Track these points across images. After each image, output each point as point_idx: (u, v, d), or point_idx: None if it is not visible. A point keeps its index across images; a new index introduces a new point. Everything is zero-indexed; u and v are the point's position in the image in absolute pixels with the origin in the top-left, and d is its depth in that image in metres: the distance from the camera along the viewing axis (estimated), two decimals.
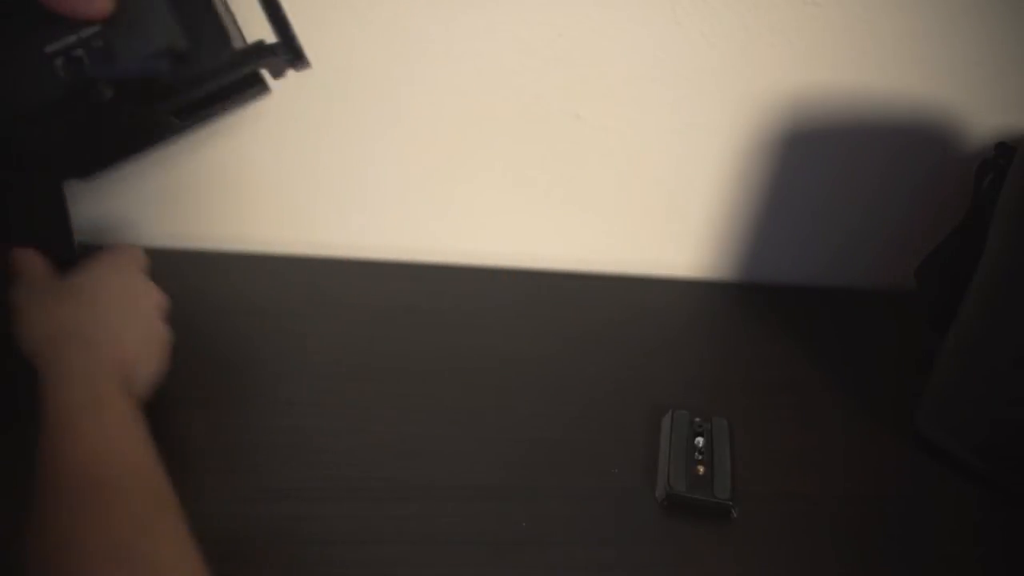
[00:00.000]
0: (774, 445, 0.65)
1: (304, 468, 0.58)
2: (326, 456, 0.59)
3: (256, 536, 0.52)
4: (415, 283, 0.81)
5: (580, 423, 0.66)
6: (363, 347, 0.71)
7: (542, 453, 0.62)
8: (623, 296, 0.84)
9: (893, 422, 0.69)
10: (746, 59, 0.77)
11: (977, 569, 0.58)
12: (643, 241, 0.88)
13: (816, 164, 0.83)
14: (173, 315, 0.59)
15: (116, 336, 0.52)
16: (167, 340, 0.57)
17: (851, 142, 0.82)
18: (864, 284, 0.91)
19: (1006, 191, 0.60)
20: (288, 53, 0.53)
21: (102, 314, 0.52)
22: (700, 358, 0.77)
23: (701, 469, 0.59)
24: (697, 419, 0.64)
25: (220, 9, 0.53)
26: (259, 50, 0.53)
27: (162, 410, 0.53)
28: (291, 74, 0.56)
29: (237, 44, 0.53)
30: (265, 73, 0.55)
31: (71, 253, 0.57)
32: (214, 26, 0.52)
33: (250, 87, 0.54)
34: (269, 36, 0.55)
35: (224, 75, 0.51)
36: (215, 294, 0.74)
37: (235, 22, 0.55)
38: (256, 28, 0.57)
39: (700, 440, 0.62)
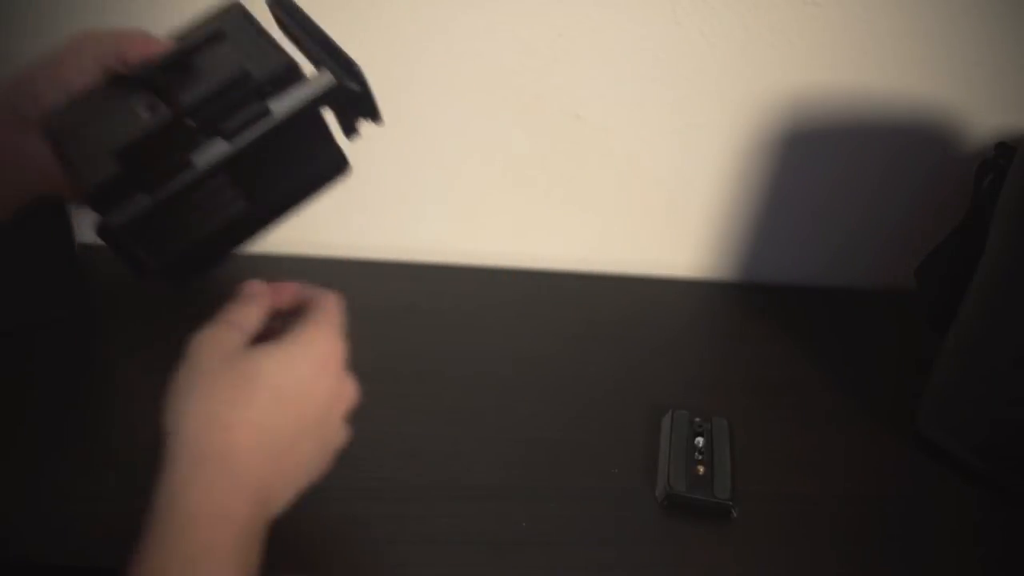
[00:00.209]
0: (774, 445, 0.65)
1: None
2: None
3: None
4: (415, 283, 0.81)
5: (580, 423, 0.66)
6: (363, 347, 0.71)
7: (542, 453, 0.62)
8: (623, 296, 0.84)
9: (893, 422, 0.69)
10: (746, 59, 0.77)
11: (977, 569, 0.58)
12: (643, 241, 0.88)
13: (816, 164, 0.83)
14: (171, 316, 0.59)
15: (277, 456, 0.40)
16: (339, 447, 0.47)
17: (851, 142, 0.82)
18: (864, 284, 0.91)
19: (1006, 191, 0.60)
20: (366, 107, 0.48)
21: (278, 423, 0.40)
22: (700, 358, 0.77)
23: (701, 469, 0.59)
24: (697, 419, 0.64)
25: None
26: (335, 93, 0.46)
27: (151, 409, 0.53)
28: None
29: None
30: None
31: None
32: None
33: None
34: None
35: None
36: (215, 295, 0.74)
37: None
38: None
39: (700, 440, 0.62)
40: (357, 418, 0.63)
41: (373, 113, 0.48)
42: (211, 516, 0.36)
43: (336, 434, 0.45)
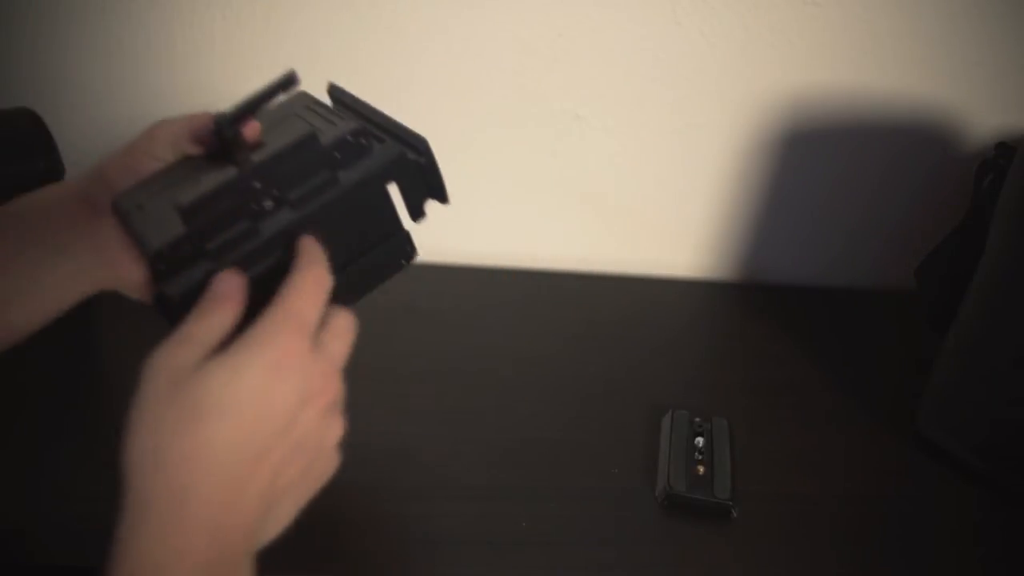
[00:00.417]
0: (774, 445, 0.65)
1: None
2: None
3: None
4: (415, 283, 0.81)
5: (580, 423, 0.66)
6: (363, 347, 0.71)
7: (542, 453, 0.62)
8: (623, 296, 0.84)
9: (893, 422, 0.69)
10: (746, 59, 0.77)
11: (977, 569, 0.58)
12: (643, 241, 0.88)
13: (816, 164, 0.83)
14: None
15: (239, 484, 0.35)
16: (330, 448, 0.41)
17: (851, 142, 0.82)
18: (864, 284, 0.91)
19: (1006, 191, 0.60)
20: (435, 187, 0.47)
21: (233, 448, 0.35)
22: (700, 358, 0.77)
23: (701, 469, 0.59)
24: (697, 419, 0.64)
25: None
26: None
27: None
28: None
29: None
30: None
31: None
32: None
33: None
34: None
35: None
36: None
37: None
38: None
39: (700, 440, 0.62)
40: (357, 418, 0.64)
41: (440, 191, 0.46)
42: (162, 565, 0.33)
43: (319, 438, 0.39)
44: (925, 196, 0.85)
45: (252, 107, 0.40)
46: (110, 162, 0.43)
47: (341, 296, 0.42)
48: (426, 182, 0.46)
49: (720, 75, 0.78)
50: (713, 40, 0.76)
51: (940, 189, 0.84)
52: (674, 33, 0.75)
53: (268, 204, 0.41)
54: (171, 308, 0.39)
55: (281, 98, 0.40)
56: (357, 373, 0.71)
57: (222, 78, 0.75)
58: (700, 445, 0.61)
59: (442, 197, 0.47)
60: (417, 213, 0.46)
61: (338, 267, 0.42)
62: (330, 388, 0.38)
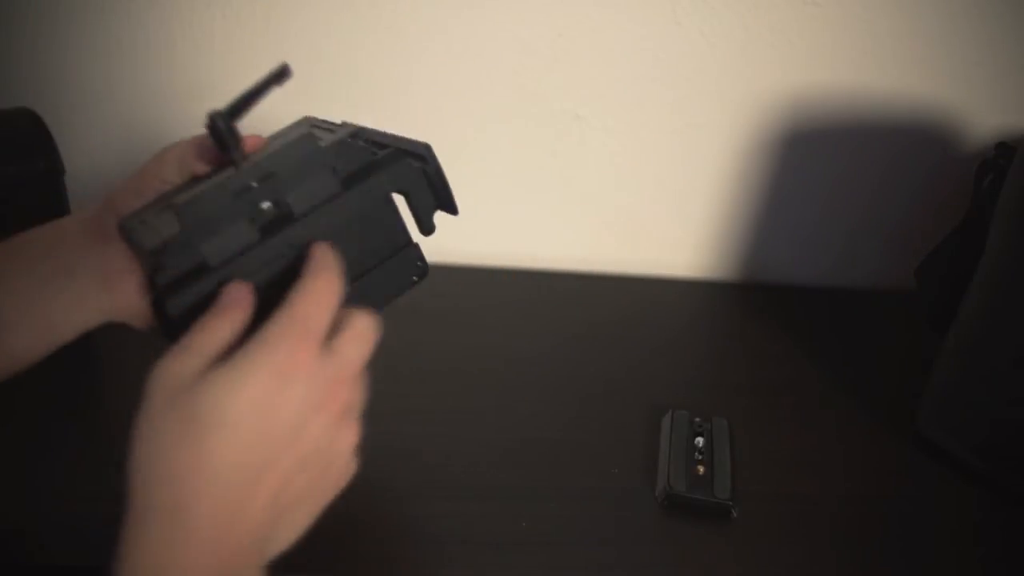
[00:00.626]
0: (774, 445, 0.65)
1: None
2: None
3: None
4: None
5: (580, 423, 0.66)
6: None
7: (542, 453, 0.62)
8: (623, 296, 0.84)
9: (893, 422, 0.69)
10: (746, 59, 0.77)
11: (977, 569, 0.58)
12: (643, 241, 0.88)
13: (816, 164, 0.83)
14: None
15: (242, 498, 0.34)
16: (345, 456, 0.40)
17: (851, 142, 0.82)
18: (864, 284, 0.91)
19: (1006, 191, 0.60)
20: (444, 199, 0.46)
21: (235, 460, 0.33)
22: (700, 358, 0.77)
23: (701, 469, 0.59)
24: (697, 419, 0.64)
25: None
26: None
27: None
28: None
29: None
30: None
31: None
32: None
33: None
34: None
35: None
36: None
37: None
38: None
39: (700, 440, 0.62)
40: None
41: (448, 201, 0.45)
42: (169, 571, 0.32)
43: (330, 446, 0.38)
44: (925, 196, 0.85)
45: (246, 102, 0.39)
46: (119, 189, 0.43)
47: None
48: (433, 192, 0.45)
49: (720, 75, 0.78)
50: (713, 40, 0.76)
51: (940, 189, 0.84)
52: (674, 33, 0.75)
53: (267, 206, 0.40)
54: (172, 325, 0.38)
55: (276, 91, 0.40)
56: None
57: (222, 78, 0.75)
58: (700, 445, 0.61)
59: (451, 208, 0.46)
60: (426, 226, 0.45)
61: (346, 281, 0.41)
62: (340, 395, 0.37)
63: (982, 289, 0.62)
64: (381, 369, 0.69)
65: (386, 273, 0.44)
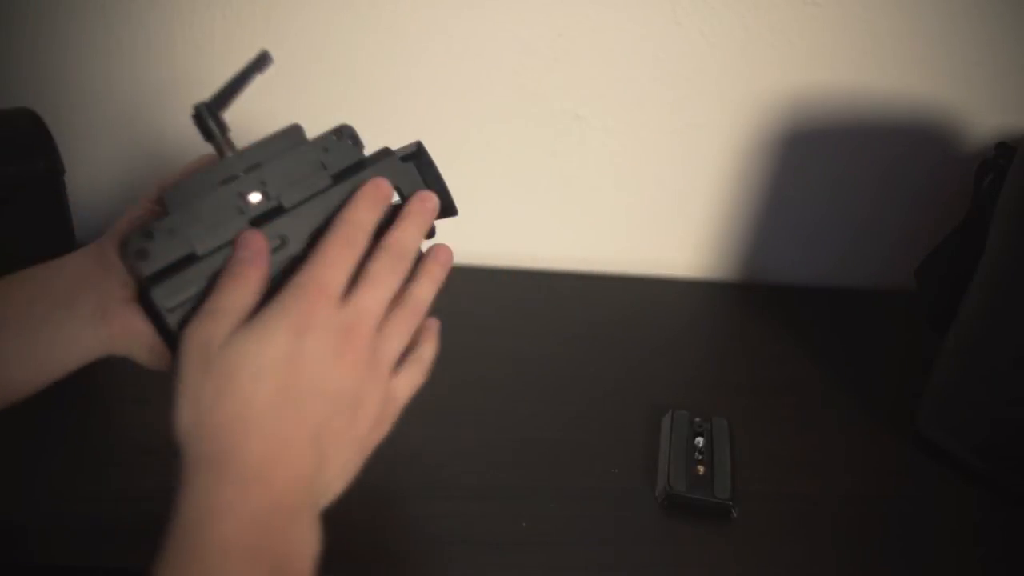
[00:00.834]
0: (774, 445, 0.65)
1: None
2: None
3: None
4: None
5: (580, 423, 0.66)
6: None
7: (542, 453, 0.62)
8: (623, 296, 0.84)
9: (893, 422, 0.69)
10: (746, 59, 0.77)
11: (977, 569, 0.58)
12: (643, 241, 0.88)
13: (816, 164, 0.83)
14: None
15: (284, 440, 0.37)
16: (386, 420, 0.44)
17: (851, 142, 0.82)
18: (864, 284, 0.91)
19: (1006, 191, 0.60)
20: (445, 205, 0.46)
21: (269, 407, 0.37)
22: (700, 358, 0.77)
23: (701, 469, 0.59)
24: (697, 419, 0.64)
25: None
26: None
27: (150, 409, 0.53)
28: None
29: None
30: None
31: None
32: None
33: None
34: None
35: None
36: None
37: None
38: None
39: (700, 440, 0.62)
40: None
41: (446, 201, 0.46)
42: (212, 515, 0.35)
43: (360, 388, 0.40)
44: (925, 196, 0.85)
45: (230, 91, 0.40)
46: (120, 221, 0.44)
47: None
48: (427, 188, 0.45)
49: (720, 75, 0.78)
50: (713, 40, 0.76)
51: (940, 189, 0.84)
52: (674, 33, 0.75)
53: (255, 197, 0.40)
54: (160, 320, 0.39)
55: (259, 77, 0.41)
56: None
57: (222, 77, 0.75)
58: (700, 445, 0.61)
59: (450, 209, 0.46)
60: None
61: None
62: (358, 341, 0.39)
63: (982, 289, 0.62)
64: None
65: None
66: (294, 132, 0.42)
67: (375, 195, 0.42)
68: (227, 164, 0.40)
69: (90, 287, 0.42)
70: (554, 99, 0.78)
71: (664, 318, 0.82)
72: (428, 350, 0.45)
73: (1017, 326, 0.59)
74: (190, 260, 0.39)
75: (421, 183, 0.45)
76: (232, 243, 0.39)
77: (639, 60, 0.77)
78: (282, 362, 0.37)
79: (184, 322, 0.38)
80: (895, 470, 0.65)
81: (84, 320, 0.41)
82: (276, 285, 0.39)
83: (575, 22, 0.75)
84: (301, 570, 0.37)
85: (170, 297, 0.38)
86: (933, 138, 0.82)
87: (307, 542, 0.38)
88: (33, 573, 0.51)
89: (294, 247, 0.41)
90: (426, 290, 0.43)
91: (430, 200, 0.44)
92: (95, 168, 0.79)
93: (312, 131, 0.46)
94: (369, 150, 0.45)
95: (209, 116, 0.40)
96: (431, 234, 0.46)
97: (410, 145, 0.45)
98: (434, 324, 0.46)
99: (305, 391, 0.38)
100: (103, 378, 0.67)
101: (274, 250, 0.40)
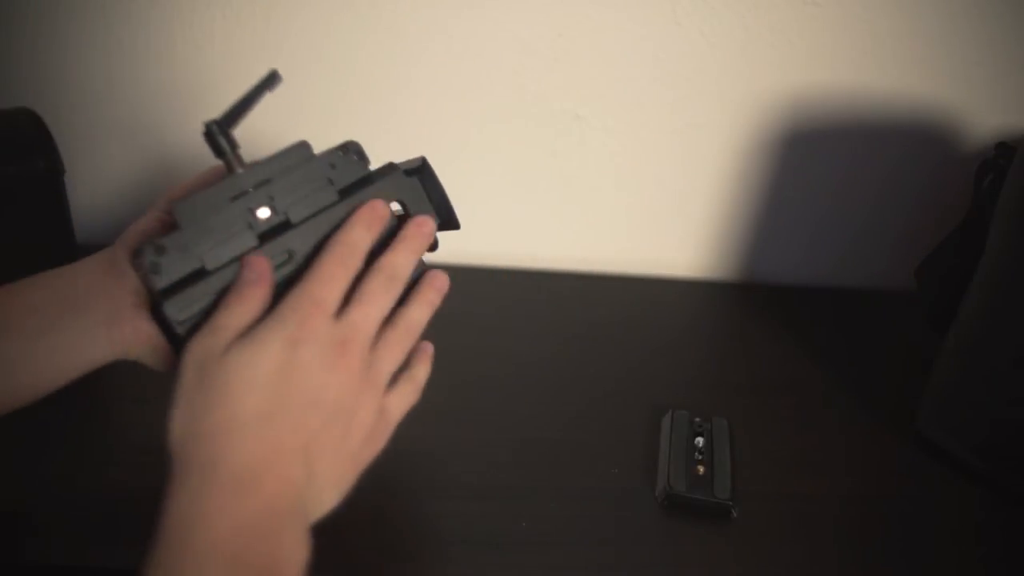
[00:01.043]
0: (774, 445, 0.65)
1: None
2: None
3: None
4: None
5: (580, 423, 0.66)
6: None
7: (542, 453, 0.62)
8: (623, 296, 0.84)
9: (894, 422, 0.69)
10: (746, 59, 0.77)
11: (978, 569, 0.58)
12: (643, 241, 0.88)
13: (816, 164, 0.83)
14: None
15: (276, 448, 0.38)
16: (381, 436, 0.44)
17: (851, 142, 0.82)
18: (864, 284, 0.91)
19: (1006, 191, 0.60)
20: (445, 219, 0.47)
21: (262, 415, 0.37)
22: (700, 358, 0.77)
23: (701, 469, 0.59)
24: (697, 419, 0.64)
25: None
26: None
27: (150, 409, 0.53)
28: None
29: None
30: None
31: None
32: None
33: None
34: None
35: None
36: None
37: None
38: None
39: (700, 440, 0.62)
40: None
41: (448, 215, 0.46)
42: (199, 520, 0.35)
43: (354, 402, 0.40)
44: (925, 196, 0.85)
45: (240, 109, 0.41)
46: (130, 229, 0.44)
47: None
48: (432, 204, 0.46)
49: (720, 75, 0.78)
50: (713, 40, 0.76)
51: (940, 189, 0.84)
52: (674, 33, 0.75)
53: (264, 213, 0.41)
54: (170, 328, 0.40)
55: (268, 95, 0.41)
56: None
57: (222, 77, 0.75)
58: (700, 445, 0.61)
59: (452, 223, 0.47)
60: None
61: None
62: (351, 356, 0.40)
63: (982, 289, 0.62)
64: None
65: None
66: (302, 148, 0.43)
67: (371, 217, 0.43)
68: (237, 180, 0.41)
69: (102, 294, 0.42)
70: (554, 99, 0.78)
71: (664, 318, 0.82)
72: (421, 371, 0.46)
73: (1017, 326, 0.59)
74: (200, 275, 0.40)
75: (424, 197, 0.46)
76: (240, 260, 0.40)
77: (639, 60, 0.77)
78: (275, 372, 0.38)
79: (193, 331, 0.39)
80: (895, 470, 0.65)
81: (96, 325, 0.42)
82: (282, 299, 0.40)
83: (575, 22, 0.75)
84: None
85: (181, 311, 0.39)
86: (933, 138, 0.82)
87: (296, 549, 0.38)
88: (33, 573, 0.51)
89: (301, 261, 0.42)
90: (420, 313, 0.44)
91: (426, 224, 0.45)
92: (95, 168, 0.79)
93: (312, 132, 0.46)
94: (369, 150, 0.45)
95: (220, 133, 0.40)
96: (434, 247, 0.46)
97: (414, 159, 0.47)
98: (428, 347, 0.47)
99: (297, 401, 0.38)
100: (103, 378, 0.67)
101: (281, 264, 0.41)
